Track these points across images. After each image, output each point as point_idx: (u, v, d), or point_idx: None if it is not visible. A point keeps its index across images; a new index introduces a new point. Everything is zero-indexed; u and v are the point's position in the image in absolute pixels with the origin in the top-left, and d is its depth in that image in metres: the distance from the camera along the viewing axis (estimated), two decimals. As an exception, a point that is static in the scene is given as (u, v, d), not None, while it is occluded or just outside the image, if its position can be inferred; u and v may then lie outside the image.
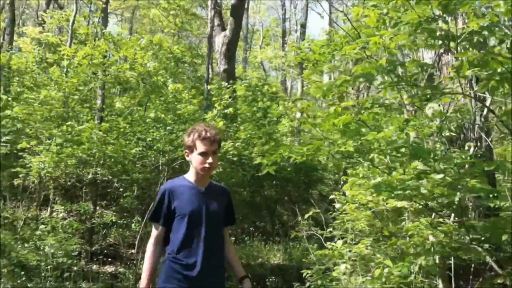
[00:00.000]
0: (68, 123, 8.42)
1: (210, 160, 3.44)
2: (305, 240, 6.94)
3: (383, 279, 4.73)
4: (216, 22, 16.88)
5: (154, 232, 3.47)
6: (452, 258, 5.08)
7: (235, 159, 9.96)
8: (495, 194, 3.54)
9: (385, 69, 3.67)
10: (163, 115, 9.20)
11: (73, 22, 11.60)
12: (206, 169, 3.47)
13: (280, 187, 12.36)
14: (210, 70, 14.85)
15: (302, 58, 7.25)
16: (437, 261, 5.18)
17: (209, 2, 14.94)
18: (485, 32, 3.39)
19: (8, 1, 11.77)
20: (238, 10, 17.05)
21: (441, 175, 3.28)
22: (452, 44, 3.63)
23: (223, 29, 16.90)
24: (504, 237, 3.18)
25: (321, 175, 13.12)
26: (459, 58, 3.39)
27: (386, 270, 4.69)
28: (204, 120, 9.47)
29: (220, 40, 16.97)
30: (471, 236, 3.46)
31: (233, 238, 10.71)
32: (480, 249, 3.83)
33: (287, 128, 14.86)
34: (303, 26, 20.32)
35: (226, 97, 9.47)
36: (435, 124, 4.99)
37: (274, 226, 11.89)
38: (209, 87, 10.82)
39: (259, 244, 10.55)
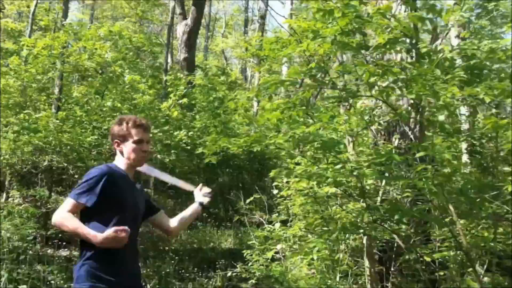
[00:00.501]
0: (26, 111, 8.74)
1: (145, 148, 3.35)
2: (247, 224, 7.48)
3: (314, 256, 5.32)
4: (178, 10, 17.22)
5: (70, 208, 3.07)
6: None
7: (188, 147, 10.43)
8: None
9: (307, 73, 4.22)
10: (119, 105, 9.58)
11: (34, 11, 11.81)
12: (143, 158, 3.38)
13: (234, 175, 12.90)
14: (169, 58, 15.23)
15: (252, 54, 7.79)
16: (364, 241, 5.79)
17: (171, -9, 15.32)
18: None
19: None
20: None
21: (340, 165, 3.86)
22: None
23: (185, 17, 17.26)
24: (396, 216, 3.76)
25: (275, 163, 13.65)
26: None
27: (315, 248, 5.28)
28: (159, 110, 9.92)
29: (181, 28, 17.33)
30: (373, 217, 4.04)
31: (187, 223, 11.21)
32: (389, 228, 4.45)
33: (242, 118, 15.37)
34: (263, 17, 20.86)
35: (181, 88, 9.92)
36: (364, 119, 5.59)
37: (227, 213, 12.42)
38: (165, 77, 11.22)
39: (212, 229, 11.08)
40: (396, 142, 5.93)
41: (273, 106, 5.09)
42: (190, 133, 10.04)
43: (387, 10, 3.92)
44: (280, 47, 7.10)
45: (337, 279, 5.70)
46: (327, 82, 4.38)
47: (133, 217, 3.29)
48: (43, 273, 7.54)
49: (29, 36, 11.88)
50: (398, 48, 4.25)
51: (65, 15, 10.53)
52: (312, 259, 5.08)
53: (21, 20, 18.19)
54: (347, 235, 5.22)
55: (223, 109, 13.24)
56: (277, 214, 7.33)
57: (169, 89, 10.43)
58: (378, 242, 5.73)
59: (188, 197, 11.99)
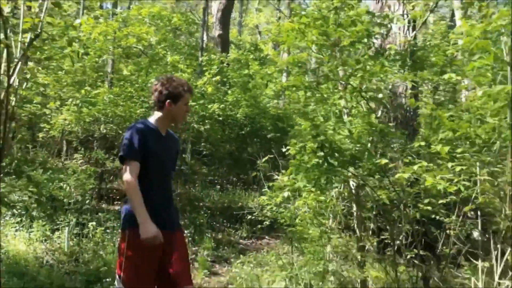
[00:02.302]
0: (86, 87, 11.16)
1: (189, 110, 4.14)
2: (262, 178, 9.59)
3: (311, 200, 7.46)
4: (214, -12, 19.37)
5: (134, 169, 3.74)
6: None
7: (221, 119, 12.71)
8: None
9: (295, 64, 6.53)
10: (162, 81, 11.83)
11: (84, -4, 14.25)
12: (185, 118, 4.19)
13: (262, 144, 15.07)
14: (204, 36, 17.38)
15: (272, 40, 9.91)
16: (353, 191, 7.86)
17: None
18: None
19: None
20: (234, -23, 19.60)
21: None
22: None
23: (220, -4, 19.47)
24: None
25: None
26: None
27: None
28: (196, 86, 12.16)
29: (215, 7, 19.55)
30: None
31: (219, 187, 13.57)
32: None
33: (273, 92, 17.48)
34: (292, -5, 22.78)
35: (215, 67, 12.18)
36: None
37: (257, 177, 14.63)
38: (201, 58, 13.44)
39: (241, 192, 13.38)
40: (379, 113, 8.00)
41: (288, 84, 7.43)
42: (221, 106, 12.26)
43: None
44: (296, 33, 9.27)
45: (330, 219, 7.90)
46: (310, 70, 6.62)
47: (162, 166, 3.96)
48: (102, 219, 9.98)
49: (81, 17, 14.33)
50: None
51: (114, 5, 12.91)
52: (306, 198, 7.23)
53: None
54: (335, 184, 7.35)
55: (254, 84, 15.45)
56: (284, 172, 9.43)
57: (204, 68, 12.67)
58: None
59: (221, 164, 14.37)
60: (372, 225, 7.75)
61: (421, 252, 6.44)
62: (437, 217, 6.31)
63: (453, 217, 6.02)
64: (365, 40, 6.17)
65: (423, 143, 5.54)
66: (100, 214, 10.06)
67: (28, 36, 4.38)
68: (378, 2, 9.24)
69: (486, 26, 4.38)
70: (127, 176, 3.70)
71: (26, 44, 4.32)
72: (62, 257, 7.97)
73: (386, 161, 5.71)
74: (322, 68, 7.11)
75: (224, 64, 14.09)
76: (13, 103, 4.27)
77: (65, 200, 10.10)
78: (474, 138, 4.71)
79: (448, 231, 6.33)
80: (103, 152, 11.33)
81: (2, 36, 4.00)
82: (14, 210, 9.11)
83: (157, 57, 12.27)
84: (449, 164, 4.85)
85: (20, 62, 4.22)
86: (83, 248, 8.33)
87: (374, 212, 7.58)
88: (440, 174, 4.88)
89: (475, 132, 4.60)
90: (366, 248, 7.35)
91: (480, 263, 5.45)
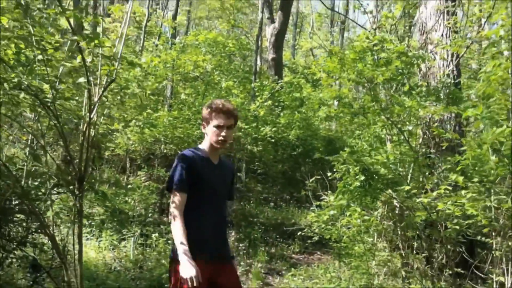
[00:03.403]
0: (148, 111, 12.14)
1: (224, 133, 3.69)
2: (310, 197, 10.19)
3: (355, 219, 8.04)
4: (266, 15, 20.08)
5: (180, 201, 3.60)
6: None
7: (273, 140, 13.45)
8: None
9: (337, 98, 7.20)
10: (217, 105, 12.74)
11: (146, 26, 15.34)
12: (220, 142, 3.73)
13: (314, 164, 15.70)
14: (259, 60, 18.18)
15: (319, 70, 10.66)
16: (397, 211, 8.42)
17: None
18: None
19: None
20: (287, 4, 20.36)
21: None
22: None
23: (273, 21, 20.17)
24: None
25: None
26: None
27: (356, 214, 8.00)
28: (249, 110, 12.96)
29: (269, 31, 20.32)
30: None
31: (272, 204, 14.26)
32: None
33: (325, 114, 18.09)
34: (343, 22, 23.45)
35: (266, 93, 12.98)
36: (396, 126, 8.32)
37: (307, 196, 15.25)
38: (253, 84, 14.23)
39: (294, 209, 14.00)
40: (420, 140, 8.51)
41: (336, 112, 8.12)
42: (274, 129, 13.01)
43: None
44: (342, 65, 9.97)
45: (375, 237, 8.45)
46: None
47: (214, 194, 3.81)
48: (164, 231, 10.77)
49: (142, 46, 15.46)
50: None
51: (173, 36, 13.94)
52: (350, 217, 7.82)
53: (129, 26, 21.77)
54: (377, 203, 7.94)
55: (306, 106, 16.13)
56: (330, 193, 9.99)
57: (257, 93, 13.49)
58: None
59: (275, 183, 15.04)
60: (416, 244, 8.23)
61: (458, 270, 7.02)
62: (482, 239, 6.80)
63: (499, 239, 6.41)
64: (399, 78, 6.84)
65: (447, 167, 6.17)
66: (162, 226, 10.87)
67: (105, 80, 5.24)
68: (423, 34, 9.75)
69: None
70: (171, 209, 3.61)
71: (103, 86, 5.18)
72: (128, 264, 8.83)
73: (409, 187, 6.34)
74: (359, 101, 7.81)
75: (276, 89, 14.82)
76: (92, 134, 5.15)
77: (130, 213, 10.98)
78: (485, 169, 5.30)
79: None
80: (164, 169, 12.22)
81: (85, 80, 4.88)
82: (85, 221, 9.99)
83: (212, 82, 13.18)
84: (462, 192, 5.45)
85: (98, 102, 5.10)
86: (147, 257, 9.17)
87: (417, 232, 8.04)
88: (454, 199, 5.48)
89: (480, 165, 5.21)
90: (415, 266, 7.87)
91: (495, 277, 5.98)
